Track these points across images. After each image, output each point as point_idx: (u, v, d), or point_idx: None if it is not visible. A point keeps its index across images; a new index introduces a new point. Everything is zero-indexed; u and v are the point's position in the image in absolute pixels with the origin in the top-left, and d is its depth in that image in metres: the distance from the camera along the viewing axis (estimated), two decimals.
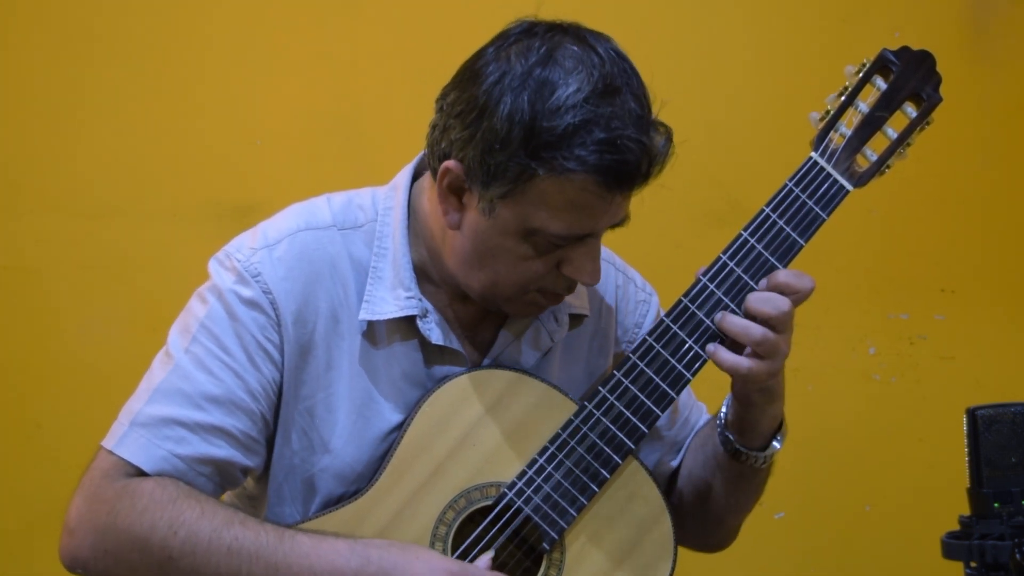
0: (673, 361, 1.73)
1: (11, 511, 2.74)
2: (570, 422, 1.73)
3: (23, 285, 2.76)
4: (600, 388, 1.74)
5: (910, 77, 1.77)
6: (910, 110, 1.78)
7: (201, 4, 2.79)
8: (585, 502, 1.72)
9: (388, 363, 1.76)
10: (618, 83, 1.63)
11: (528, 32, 1.67)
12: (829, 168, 1.75)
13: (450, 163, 1.68)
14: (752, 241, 1.73)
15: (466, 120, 1.65)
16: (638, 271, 1.98)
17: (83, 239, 2.76)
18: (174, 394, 1.70)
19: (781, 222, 1.74)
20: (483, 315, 1.80)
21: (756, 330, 1.69)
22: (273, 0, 2.81)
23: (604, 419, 1.73)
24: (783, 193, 1.75)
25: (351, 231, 1.78)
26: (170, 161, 2.79)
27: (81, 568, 1.67)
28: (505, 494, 1.73)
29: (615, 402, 1.73)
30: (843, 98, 1.77)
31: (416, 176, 1.81)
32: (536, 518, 1.72)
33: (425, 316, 1.76)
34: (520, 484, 1.72)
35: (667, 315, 1.74)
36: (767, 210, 1.74)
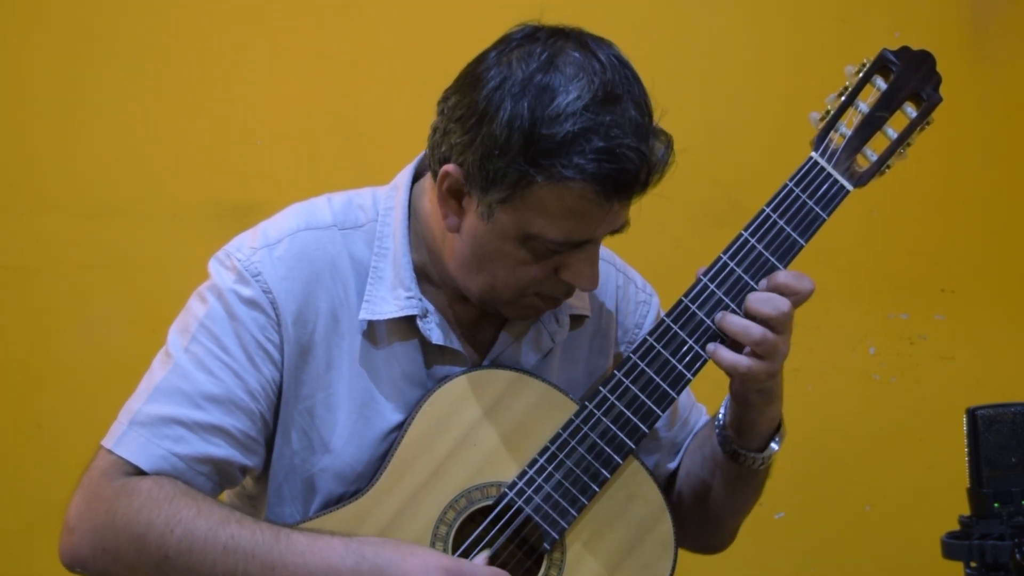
0: (674, 361, 1.73)
1: (11, 511, 2.74)
2: (571, 422, 1.73)
3: (23, 285, 2.76)
4: (601, 388, 1.74)
5: (910, 77, 1.77)
6: (910, 110, 1.78)
7: (201, 4, 2.79)
8: (586, 502, 1.72)
9: (388, 363, 1.76)
10: (619, 91, 1.63)
11: (530, 37, 1.67)
12: (829, 168, 1.75)
13: (450, 167, 1.68)
14: (752, 241, 1.73)
15: (466, 125, 1.65)
16: (638, 271, 1.98)
17: (83, 239, 2.76)
18: (173, 393, 1.70)
19: (781, 222, 1.74)
20: (483, 315, 1.80)
21: (756, 330, 1.69)
22: (273, 0, 2.81)
23: (605, 419, 1.73)
24: (783, 193, 1.75)
25: (352, 231, 1.78)
26: (170, 161, 2.79)
27: (80, 567, 1.67)
28: (506, 494, 1.73)
29: (616, 402, 1.73)
30: (843, 98, 1.77)
31: (417, 176, 1.81)
32: (537, 518, 1.72)
33: (425, 316, 1.76)
34: (521, 484, 1.72)
35: (667, 315, 1.74)
36: (767, 210, 1.74)
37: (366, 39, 2.82)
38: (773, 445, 1.81)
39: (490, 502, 1.73)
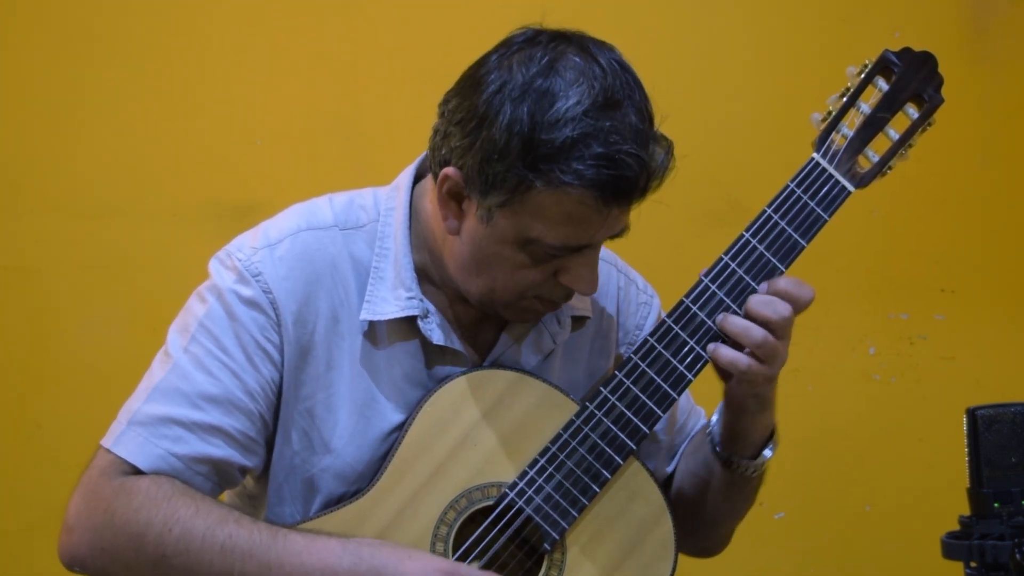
0: (675, 362, 1.73)
1: (11, 511, 2.74)
2: (571, 422, 1.73)
3: (23, 285, 2.76)
4: (601, 388, 1.74)
5: (912, 78, 1.77)
6: (912, 111, 1.78)
7: (201, 4, 2.79)
8: (586, 502, 1.72)
9: (389, 363, 1.76)
10: (619, 96, 1.63)
11: (531, 41, 1.66)
12: (831, 169, 1.75)
13: (449, 170, 1.68)
14: (754, 242, 1.73)
15: (466, 128, 1.65)
16: (638, 271, 1.97)
17: (83, 239, 2.76)
18: (172, 393, 1.70)
19: (783, 223, 1.74)
20: (484, 316, 1.80)
21: (757, 332, 1.69)
22: (273, 0, 2.81)
23: (605, 419, 1.73)
24: (785, 194, 1.75)
25: (353, 231, 1.78)
26: (170, 161, 2.78)
27: (79, 566, 1.67)
28: (506, 494, 1.73)
29: (616, 402, 1.73)
30: (845, 99, 1.77)
31: (419, 177, 1.81)
32: (537, 518, 1.72)
33: (426, 316, 1.76)
34: (521, 484, 1.72)
35: (668, 315, 1.74)
36: (769, 211, 1.74)
37: (366, 39, 2.82)
38: (766, 452, 1.81)
39: (491, 502, 1.73)
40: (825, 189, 1.75)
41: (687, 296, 1.74)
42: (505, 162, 1.62)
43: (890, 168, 1.78)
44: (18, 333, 2.76)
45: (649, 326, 1.92)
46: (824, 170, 1.75)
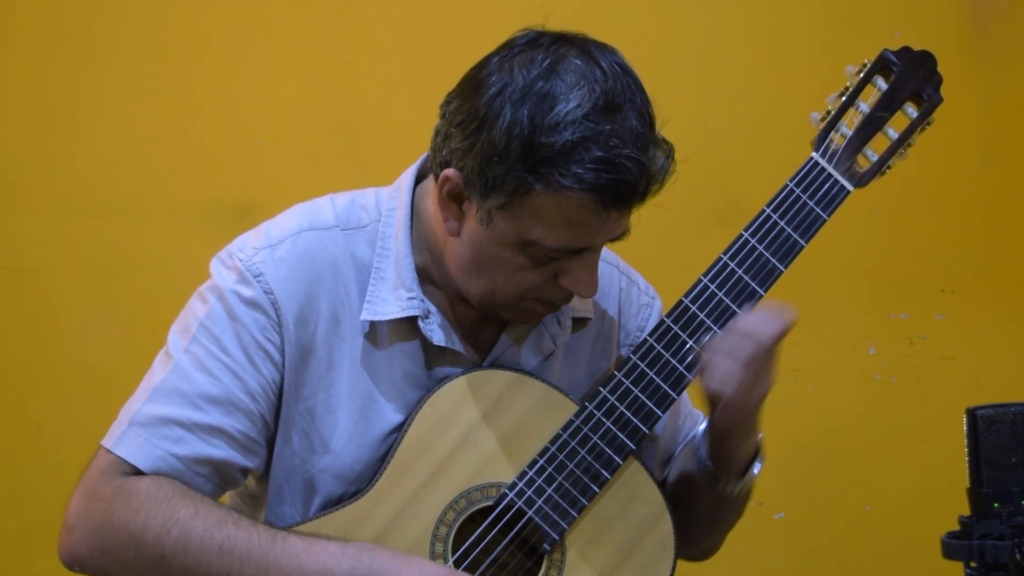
0: (674, 362, 1.72)
1: (11, 511, 2.74)
2: (571, 422, 1.73)
3: (23, 285, 2.76)
4: (601, 388, 1.74)
5: (911, 77, 1.77)
6: (911, 110, 1.78)
7: (201, 4, 2.79)
8: (586, 503, 1.72)
9: (389, 364, 1.76)
10: (620, 100, 1.62)
11: (533, 43, 1.66)
12: (830, 168, 1.75)
13: (450, 171, 1.68)
14: (753, 242, 1.73)
15: (466, 130, 1.65)
16: (638, 271, 1.97)
17: (83, 239, 2.76)
18: (172, 394, 1.70)
19: (782, 223, 1.74)
20: (485, 317, 1.80)
21: (747, 347, 1.68)
22: (273, 0, 2.81)
23: (605, 420, 1.73)
24: (784, 193, 1.75)
25: (354, 231, 1.78)
26: (170, 161, 2.79)
27: (79, 566, 1.67)
28: (506, 495, 1.73)
29: (616, 403, 1.73)
30: (844, 98, 1.77)
31: (421, 177, 1.81)
32: (537, 519, 1.72)
33: (427, 317, 1.76)
34: (521, 485, 1.72)
35: (668, 316, 1.74)
36: (768, 210, 1.74)
37: (366, 39, 2.82)
38: (754, 470, 1.81)
39: (490, 503, 1.73)
40: (824, 188, 1.75)
41: (686, 296, 1.74)
42: (505, 164, 1.62)
43: (889, 167, 1.78)
44: (18, 333, 2.76)
45: (651, 327, 1.91)
46: (823, 169, 1.75)
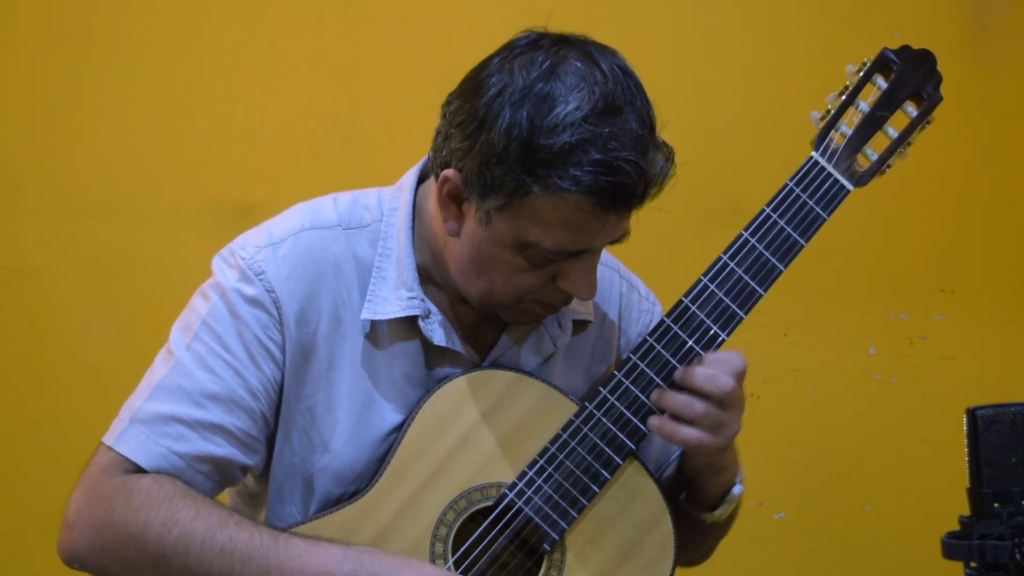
0: (674, 362, 1.72)
1: (11, 511, 2.74)
2: (571, 422, 1.73)
3: (23, 285, 2.76)
4: (600, 389, 1.74)
5: (911, 76, 1.77)
6: (911, 109, 1.78)
7: (201, 4, 2.79)
8: (586, 503, 1.72)
9: (389, 363, 1.76)
10: (619, 102, 1.62)
11: (534, 44, 1.66)
12: (830, 168, 1.75)
13: (449, 172, 1.68)
14: (753, 241, 1.73)
15: (466, 131, 1.65)
16: (638, 271, 1.97)
17: (83, 239, 2.76)
18: (174, 391, 1.70)
19: (782, 222, 1.74)
20: (485, 317, 1.80)
21: (698, 405, 1.68)
22: (273, 0, 2.81)
23: (605, 420, 1.73)
24: (784, 193, 1.75)
25: (356, 231, 1.78)
26: (170, 161, 2.79)
27: (79, 563, 1.67)
28: (506, 495, 1.73)
29: (616, 403, 1.73)
30: (844, 97, 1.77)
31: (423, 178, 1.81)
32: (537, 519, 1.72)
33: (428, 317, 1.76)
34: (521, 485, 1.72)
35: (668, 315, 1.74)
36: (768, 210, 1.74)
37: (366, 39, 2.82)
38: (730, 496, 1.80)
39: (490, 503, 1.73)
40: (824, 188, 1.75)
41: (686, 296, 1.74)
42: (504, 166, 1.62)
43: (889, 166, 1.78)
44: (18, 333, 2.76)
45: None
46: (823, 169, 1.75)
